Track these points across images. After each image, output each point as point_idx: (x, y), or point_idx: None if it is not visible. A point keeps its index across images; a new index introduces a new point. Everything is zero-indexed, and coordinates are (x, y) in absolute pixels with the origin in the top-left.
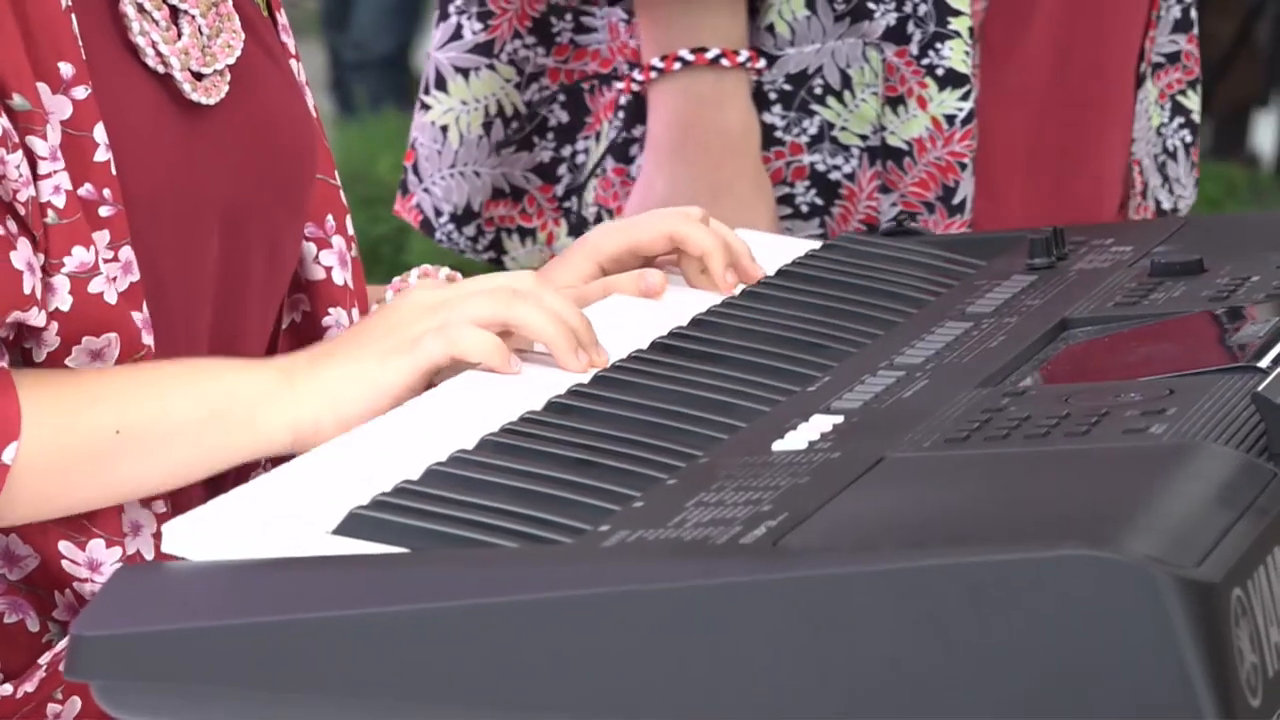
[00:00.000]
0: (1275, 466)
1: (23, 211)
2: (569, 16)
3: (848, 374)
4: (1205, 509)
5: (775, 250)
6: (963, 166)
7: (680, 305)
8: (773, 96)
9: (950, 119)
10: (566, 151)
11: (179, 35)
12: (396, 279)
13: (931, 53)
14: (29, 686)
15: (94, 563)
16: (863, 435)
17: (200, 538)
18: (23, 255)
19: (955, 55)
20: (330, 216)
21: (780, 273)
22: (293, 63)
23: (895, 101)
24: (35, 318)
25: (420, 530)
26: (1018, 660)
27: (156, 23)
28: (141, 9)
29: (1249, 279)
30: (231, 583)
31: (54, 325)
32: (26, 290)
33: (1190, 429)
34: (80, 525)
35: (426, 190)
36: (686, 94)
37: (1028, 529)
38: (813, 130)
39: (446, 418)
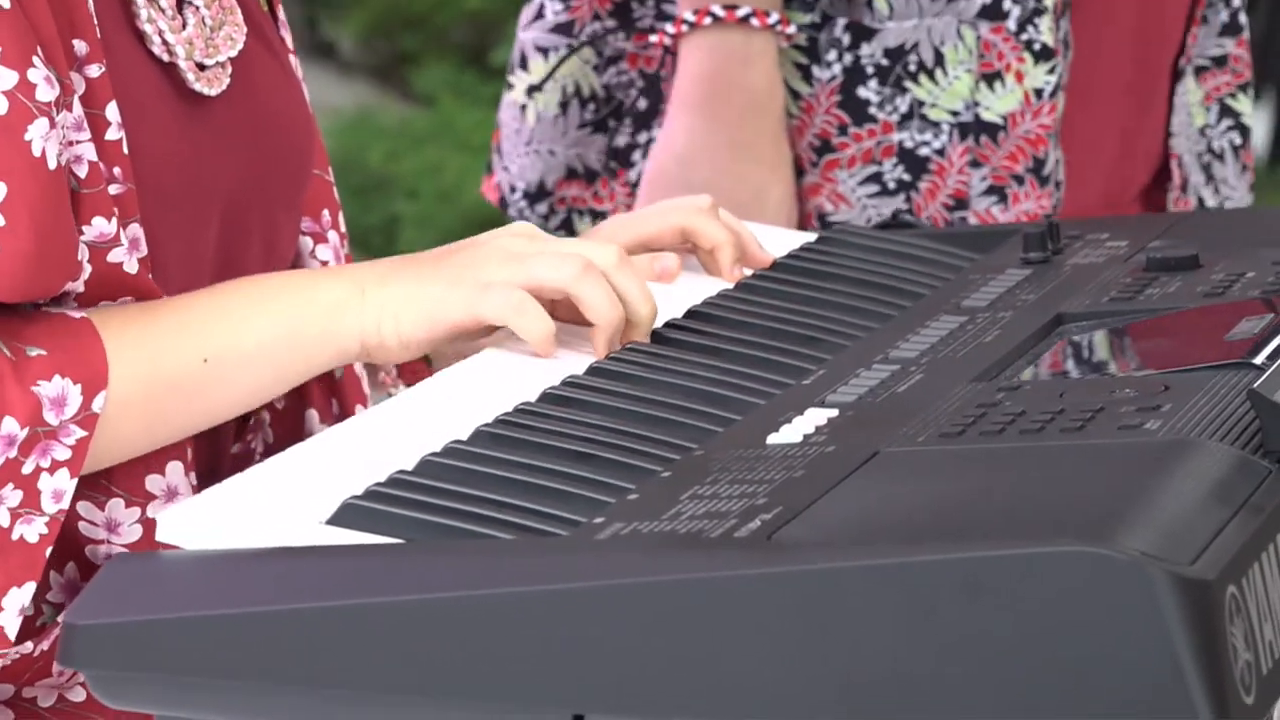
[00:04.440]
0: (1270, 463)
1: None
2: (650, 2)
3: (842, 367)
4: (1200, 506)
5: (770, 242)
6: (1050, 138)
7: (696, 289)
8: (869, 71)
9: (1039, 92)
10: (643, 138)
11: (184, 25)
12: None
13: (1030, 28)
14: (45, 645)
15: (112, 523)
16: (857, 429)
17: (194, 527)
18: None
19: (1045, 29)
20: (326, 211)
21: (775, 265)
22: (290, 57)
23: (991, 77)
24: (76, 285)
25: (414, 521)
26: (1011, 656)
27: (164, 11)
28: None
29: (1244, 274)
30: (225, 572)
31: (73, 290)
32: (79, 256)
33: (1186, 425)
34: (100, 485)
35: (505, 168)
36: (714, 49)
37: (1023, 524)
38: (904, 108)
39: (441, 408)
